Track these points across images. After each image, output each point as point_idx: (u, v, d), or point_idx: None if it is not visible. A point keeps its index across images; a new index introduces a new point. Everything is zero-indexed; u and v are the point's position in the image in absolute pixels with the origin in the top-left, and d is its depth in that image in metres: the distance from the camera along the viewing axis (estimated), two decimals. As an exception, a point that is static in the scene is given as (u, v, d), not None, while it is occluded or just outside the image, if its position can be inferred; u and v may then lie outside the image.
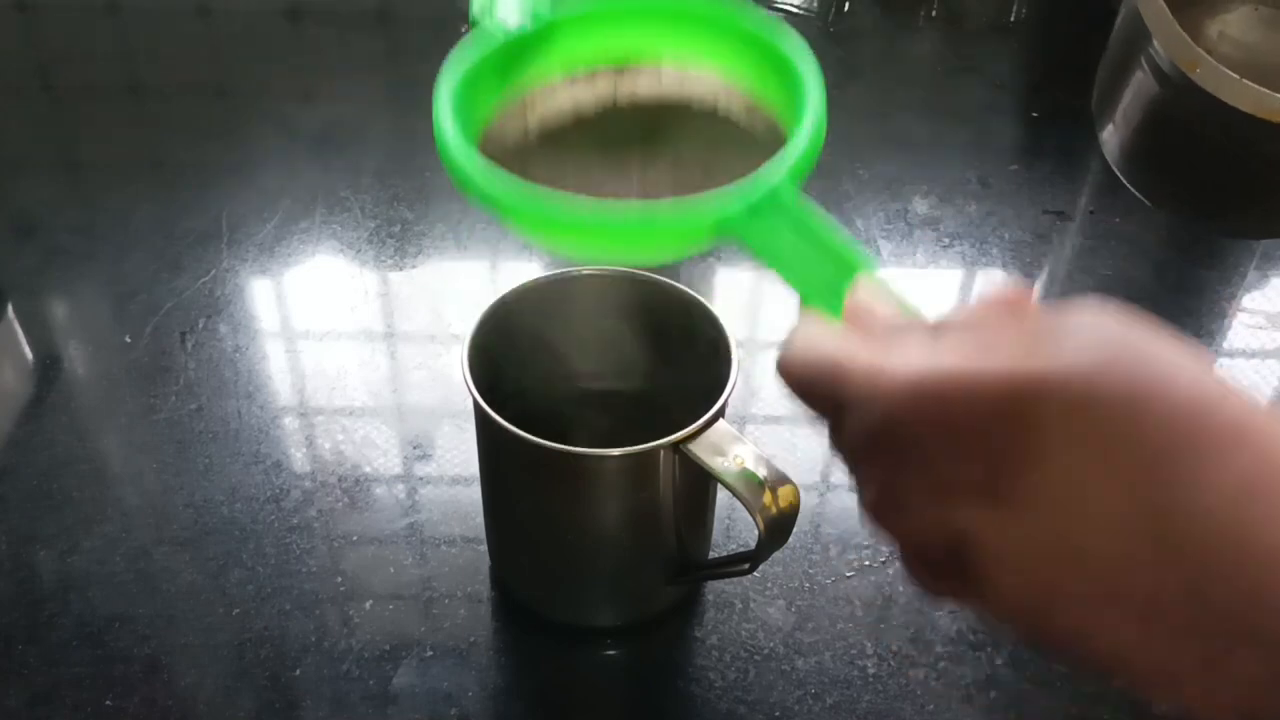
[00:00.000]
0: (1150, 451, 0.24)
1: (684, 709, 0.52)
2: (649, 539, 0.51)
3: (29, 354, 0.68)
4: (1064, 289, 0.74)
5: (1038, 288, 0.74)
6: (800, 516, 0.46)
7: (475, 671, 0.52)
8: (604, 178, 0.40)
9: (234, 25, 0.99)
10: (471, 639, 0.53)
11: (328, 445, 0.62)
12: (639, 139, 0.41)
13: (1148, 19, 0.73)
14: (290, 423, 0.64)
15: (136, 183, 0.81)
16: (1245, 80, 0.69)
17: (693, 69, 0.41)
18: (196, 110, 0.89)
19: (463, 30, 0.40)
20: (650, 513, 0.49)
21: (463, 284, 0.74)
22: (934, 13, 1.05)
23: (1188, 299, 0.74)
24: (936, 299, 0.73)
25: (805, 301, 0.34)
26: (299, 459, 0.61)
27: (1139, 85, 0.80)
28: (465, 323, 0.50)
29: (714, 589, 0.56)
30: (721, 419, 0.46)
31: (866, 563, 0.57)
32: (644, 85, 0.41)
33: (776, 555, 0.49)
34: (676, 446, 0.45)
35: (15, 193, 0.80)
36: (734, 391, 0.47)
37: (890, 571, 0.57)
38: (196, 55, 0.95)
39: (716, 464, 0.45)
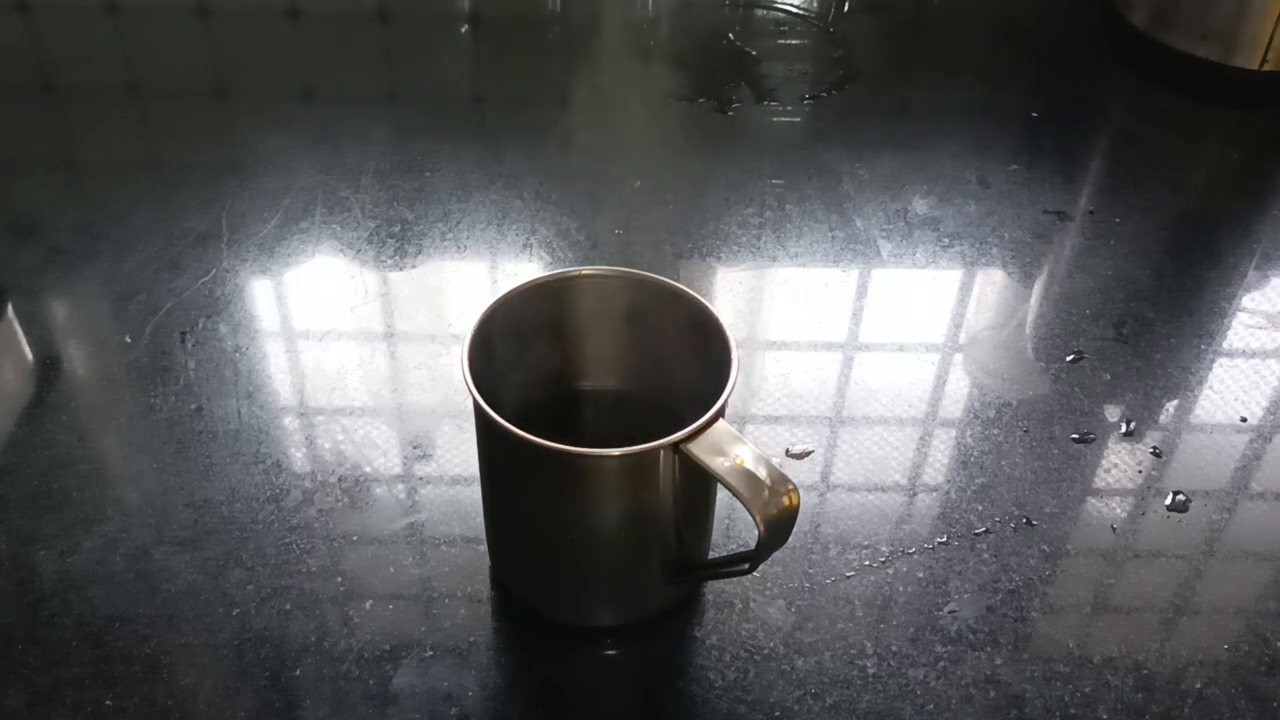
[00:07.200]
0: None
1: (684, 709, 0.52)
2: (649, 539, 0.50)
3: (29, 354, 0.68)
4: (1064, 289, 0.74)
5: (1037, 288, 0.75)
6: (800, 516, 0.46)
7: (475, 671, 0.52)
8: None
9: (234, 25, 0.99)
10: (471, 639, 0.53)
11: (328, 445, 0.62)
12: None
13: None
14: (290, 423, 0.64)
15: (136, 183, 0.81)
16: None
17: None
18: (196, 110, 0.89)
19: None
20: (650, 513, 0.49)
21: (463, 284, 0.74)
22: (934, 13, 1.05)
23: (1188, 299, 0.74)
24: (937, 299, 0.73)
25: None
26: (299, 459, 0.61)
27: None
28: (465, 323, 0.50)
29: (714, 589, 0.56)
30: (721, 419, 0.46)
31: (866, 563, 0.57)
32: None
33: (776, 555, 0.49)
34: (676, 446, 0.45)
35: (15, 193, 0.80)
36: (734, 391, 0.47)
37: (890, 571, 0.57)
38: (196, 55, 0.95)
39: (716, 464, 0.45)
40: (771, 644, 0.53)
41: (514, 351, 0.52)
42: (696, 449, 0.45)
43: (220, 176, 0.80)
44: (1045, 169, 0.84)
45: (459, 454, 0.61)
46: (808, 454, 0.62)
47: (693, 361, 0.51)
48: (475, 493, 0.56)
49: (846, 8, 1.02)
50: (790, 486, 0.45)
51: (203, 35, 0.98)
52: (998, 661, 0.53)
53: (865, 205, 0.79)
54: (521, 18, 1.02)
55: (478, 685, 0.52)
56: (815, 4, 1.03)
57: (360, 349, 0.68)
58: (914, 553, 0.58)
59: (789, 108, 0.90)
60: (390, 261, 0.74)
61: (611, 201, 0.79)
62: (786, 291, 0.74)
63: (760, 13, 1.01)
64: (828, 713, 0.51)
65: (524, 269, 0.74)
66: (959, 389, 0.67)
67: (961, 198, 0.81)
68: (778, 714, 0.51)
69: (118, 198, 0.79)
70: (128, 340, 0.67)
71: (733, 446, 0.45)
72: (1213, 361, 0.69)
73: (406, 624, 0.54)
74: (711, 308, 0.50)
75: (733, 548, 0.58)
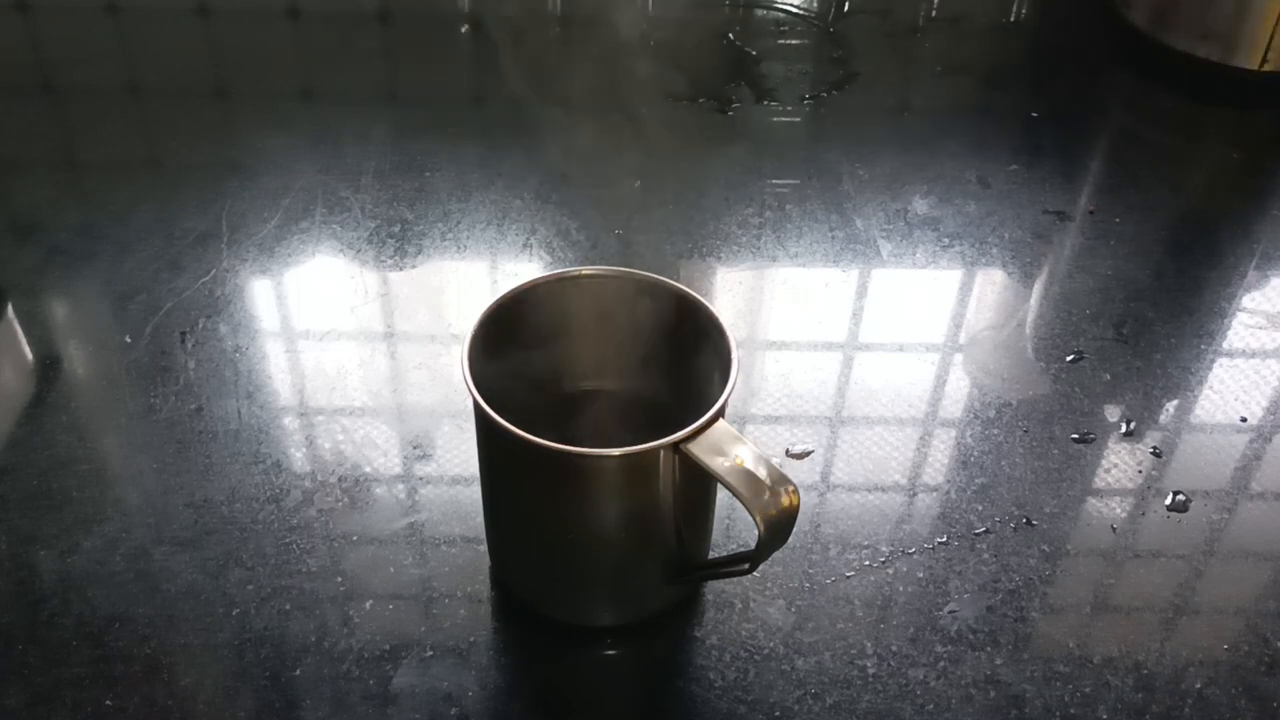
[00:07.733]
0: None
1: (684, 709, 0.52)
2: (649, 539, 0.50)
3: (29, 354, 0.68)
4: (1064, 289, 0.74)
5: (1037, 288, 0.75)
6: (800, 516, 0.46)
7: (475, 671, 0.52)
8: None
9: (234, 25, 0.99)
10: (471, 639, 0.53)
11: (328, 445, 0.62)
12: None
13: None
14: (290, 423, 0.64)
15: (136, 183, 0.81)
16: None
17: None
18: (196, 110, 0.89)
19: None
20: (650, 513, 0.49)
21: (463, 284, 0.74)
22: (934, 13, 1.05)
23: (1188, 299, 0.74)
24: (937, 299, 0.73)
25: None
26: (299, 459, 0.61)
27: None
28: (465, 323, 0.50)
29: (714, 589, 0.56)
30: (721, 419, 0.46)
31: (866, 563, 0.57)
32: None
33: (776, 555, 0.49)
34: (676, 446, 0.45)
35: (15, 193, 0.80)
36: (734, 391, 0.47)
37: (890, 571, 0.57)
38: (196, 55, 0.95)
39: (716, 464, 0.45)
40: (771, 644, 0.53)
41: (514, 351, 0.52)
42: (696, 449, 0.45)
43: (220, 176, 0.80)
44: (1045, 169, 0.84)
45: (459, 454, 0.61)
46: (808, 454, 0.62)
47: (693, 361, 0.51)
48: (475, 493, 0.56)
49: (846, 8, 1.02)
50: (790, 486, 0.45)
51: (203, 35, 0.98)
52: (998, 661, 0.53)
53: (865, 205, 0.79)
54: (521, 18, 1.02)
55: (478, 685, 0.52)
56: (815, 4, 1.03)
57: (360, 349, 0.68)
58: (914, 553, 0.58)
59: (789, 108, 0.90)
60: (390, 261, 0.74)
61: (611, 201, 0.79)
62: (786, 291, 0.74)
63: (760, 13, 1.01)
64: (828, 713, 0.51)
65: (524, 269, 0.74)
66: (959, 389, 0.67)
67: (961, 198, 0.81)
68: (778, 714, 0.51)
69: (118, 198, 0.79)
70: (128, 340, 0.67)
71: (733, 446, 0.45)
72: (1213, 361, 0.69)
73: (406, 624, 0.54)
74: (712, 308, 0.50)
75: (733, 548, 0.58)
